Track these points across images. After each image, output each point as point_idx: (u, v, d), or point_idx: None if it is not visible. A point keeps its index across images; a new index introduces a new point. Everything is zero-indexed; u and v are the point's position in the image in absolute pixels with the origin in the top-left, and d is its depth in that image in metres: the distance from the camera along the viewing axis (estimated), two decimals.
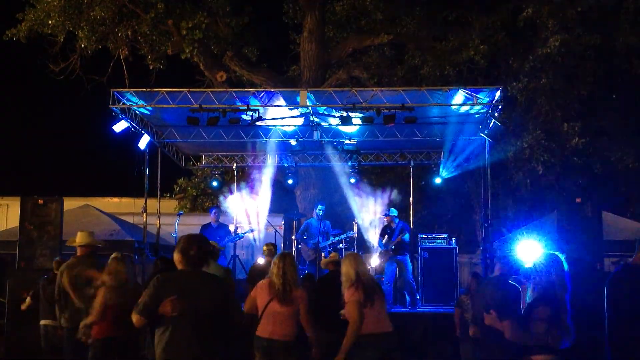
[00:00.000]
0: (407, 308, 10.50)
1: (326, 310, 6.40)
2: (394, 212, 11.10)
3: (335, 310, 6.23)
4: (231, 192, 13.33)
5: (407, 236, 10.64)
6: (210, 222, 11.83)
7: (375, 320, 5.59)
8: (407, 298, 10.70)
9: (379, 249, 11.17)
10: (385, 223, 11.02)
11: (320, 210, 11.52)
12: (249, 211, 12.86)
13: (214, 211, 12.09)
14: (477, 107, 10.46)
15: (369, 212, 12.25)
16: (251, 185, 12.93)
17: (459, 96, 10.10)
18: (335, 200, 14.26)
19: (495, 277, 5.39)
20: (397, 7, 15.35)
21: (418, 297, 10.64)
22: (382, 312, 5.68)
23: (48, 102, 23.05)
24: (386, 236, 10.86)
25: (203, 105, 9.95)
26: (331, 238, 11.45)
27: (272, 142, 12.45)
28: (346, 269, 5.80)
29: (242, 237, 12.06)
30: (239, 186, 13.46)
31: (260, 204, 12.96)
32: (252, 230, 12.25)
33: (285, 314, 5.70)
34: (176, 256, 4.30)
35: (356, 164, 12.69)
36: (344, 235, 11.35)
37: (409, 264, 10.77)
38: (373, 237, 11.66)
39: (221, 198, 13.28)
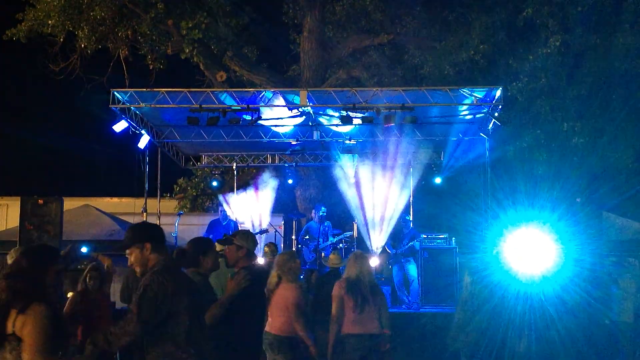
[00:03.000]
0: (407, 308, 10.55)
1: (325, 309, 6.40)
2: (408, 217, 11.45)
3: None
4: (232, 192, 13.27)
5: (416, 245, 10.83)
6: (218, 218, 11.78)
7: (358, 321, 5.65)
8: (407, 298, 10.75)
9: (381, 249, 11.35)
10: (399, 226, 11.28)
11: (322, 212, 11.57)
12: (250, 211, 12.82)
13: (222, 207, 12.01)
14: (477, 107, 10.46)
15: (371, 212, 12.25)
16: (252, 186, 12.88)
17: (459, 96, 10.11)
18: (335, 201, 14.25)
19: None
20: (397, 7, 15.34)
21: (418, 298, 10.71)
22: (369, 314, 5.71)
23: (48, 102, 23.01)
24: (394, 240, 11.18)
25: (203, 105, 9.96)
26: (330, 238, 11.49)
27: (272, 142, 12.45)
28: (348, 267, 5.87)
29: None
30: (239, 186, 13.44)
31: (261, 204, 12.94)
32: (266, 231, 12.17)
33: (280, 306, 5.76)
34: None
35: (356, 163, 12.72)
36: (342, 236, 11.40)
37: (412, 264, 10.87)
38: (375, 237, 11.69)
39: (221, 198, 13.20)
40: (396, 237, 11.34)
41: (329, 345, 5.68)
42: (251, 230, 11.80)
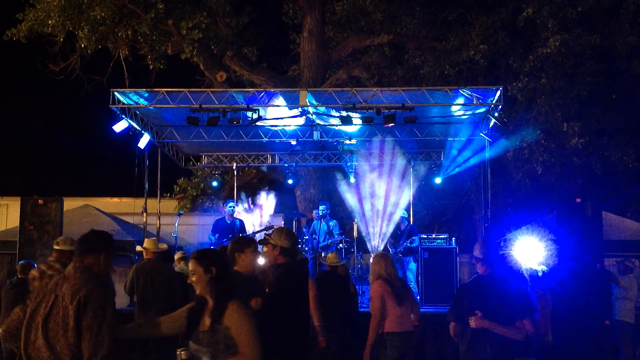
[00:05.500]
0: None
1: (324, 307, 6.41)
2: (404, 214, 11.34)
3: (334, 308, 6.27)
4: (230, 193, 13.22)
5: (416, 241, 10.80)
6: (223, 217, 11.48)
7: (397, 319, 5.66)
8: None
9: (383, 249, 11.34)
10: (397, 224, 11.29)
11: (321, 210, 11.52)
12: (250, 212, 12.80)
13: (228, 204, 11.51)
14: (477, 107, 10.46)
15: (371, 212, 12.24)
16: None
17: (459, 96, 10.11)
18: (336, 201, 14.25)
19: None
20: (397, 7, 15.36)
21: (418, 298, 10.69)
22: (407, 311, 5.77)
23: (48, 102, 23.03)
24: (394, 239, 11.17)
25: (203, 105, 9.95)
26: (334, 238, 11.43)
27: (272, 142, 12.44)
28: (375, 267, 5.87)
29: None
30: (240, 186, 13.43)
31: (262, 204, 12.92)
32: (271, 227, 11.98)
33: None
34: None
35: (356, 163, 12.72)
36: (341, 237, 11.32)
37: (412, 264, 10.87)
38: (375, 237, 11.69)
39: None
40: (395, 235, 11.34)
41: (369, 343, 5.67)
42: (254, 229, 11.77)
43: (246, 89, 11.88)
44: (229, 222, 11.41)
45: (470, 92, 10.01)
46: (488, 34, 14.31)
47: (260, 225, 12.21)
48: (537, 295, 6.20)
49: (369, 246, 11.81)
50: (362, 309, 8.49)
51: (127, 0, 13.62)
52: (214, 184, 13.77)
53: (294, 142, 12.31)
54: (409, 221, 11.81)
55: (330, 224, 11.56)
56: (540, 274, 7.39)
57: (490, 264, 4.80)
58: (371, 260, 6.13)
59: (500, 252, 5.33)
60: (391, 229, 11.58)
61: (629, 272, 9.69)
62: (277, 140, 12.34)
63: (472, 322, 4.59)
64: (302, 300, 4.73)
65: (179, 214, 12.66)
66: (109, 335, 3.36)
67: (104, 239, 3.76)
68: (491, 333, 4.58)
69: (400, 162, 13.10)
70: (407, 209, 12.20)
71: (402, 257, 11.00)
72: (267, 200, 13.00)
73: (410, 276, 10.87)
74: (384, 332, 5.69)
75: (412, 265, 10.92)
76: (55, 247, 5.94)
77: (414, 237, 10.94)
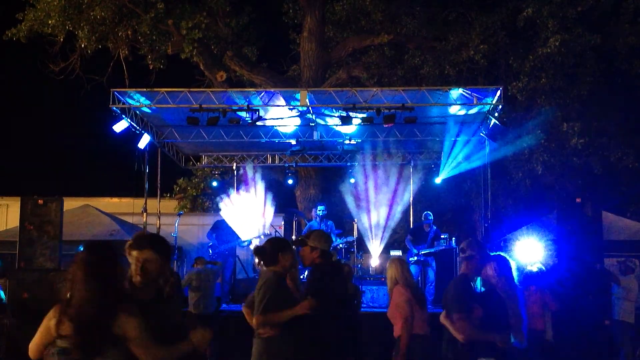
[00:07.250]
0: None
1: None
2: (430, 216, 11.29)
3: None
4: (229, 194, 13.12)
5: (442, 242, 10.79)
6: (222, 219, 11.64)
7: (421, 322, 5.72)
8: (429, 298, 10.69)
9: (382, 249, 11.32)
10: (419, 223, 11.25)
11: (320, 211, 11.51)
12: (250, 213, 12.77)
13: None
14: (477, 107, 10.47)
15: (371, 212, 12.23)
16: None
17: (459, 96, 10.11)
18: (335, 201, 14.25)
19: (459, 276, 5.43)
20: (397, 7, 15.35)
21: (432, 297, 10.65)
22: (425, 315, 5.82)
23: (48, 102, 23.04)
24: (416, 239, 11.08)
25: (203, 105, 9.96)
26: (336, 239, 11.41)
27: (272, 142, 12.44)
28: (392, 272, 5.87)
29: (250, 243, 11.53)
30: (239, 186, 13.40)
31: (262, 205, 12.90)
32: (262, 235, 12.00)
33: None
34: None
35: (356, 163, 12.72)
36: (344, 239, 11.32)
37: (433, 263, 10.83)
38: (375, 237, 11.67)
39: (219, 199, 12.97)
40: (417, 234, 11.22)
41: (402, 349, 5.67)
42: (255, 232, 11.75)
43: (246, 89, 11.88)
44: (226, 225, 11.47)
45: (470, 92, 10.02)
46: (488, 34, 14.29)
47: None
48: (525, 294, 6.27)
49: (369, 246, 11.81)
50: (363, 309, 8.45)
51: (127, 0, 13.62)
52: (214, 184, 13.77)
53: (294, 142, 12.31)
54: (433, 224, 11.44)
55: (329, 223, 11.59)
56: (535, 269, 7.39)
57: (472, 263, 4.97)
58: (389, 265, 6.09)
59: (492, 253, 5.30)
60: (390, 229, 11.55)
61: (629, 272, 9.69)
62: (277, 140, 12.35)
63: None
64: (339, 300, 4.85)
65: (179, 214, 12.67)
66: None
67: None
68: (445, 328, 4.95)
69: (400, 162, 13.10)
70: (407, 209, 12.17)
71: (424, 258, 10.88)
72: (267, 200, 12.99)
73: (431, 275, 10.80)
74: (411, 335, 5.71)
75: (434, 264, 10.85)
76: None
77: (440, 241, 10.86)
